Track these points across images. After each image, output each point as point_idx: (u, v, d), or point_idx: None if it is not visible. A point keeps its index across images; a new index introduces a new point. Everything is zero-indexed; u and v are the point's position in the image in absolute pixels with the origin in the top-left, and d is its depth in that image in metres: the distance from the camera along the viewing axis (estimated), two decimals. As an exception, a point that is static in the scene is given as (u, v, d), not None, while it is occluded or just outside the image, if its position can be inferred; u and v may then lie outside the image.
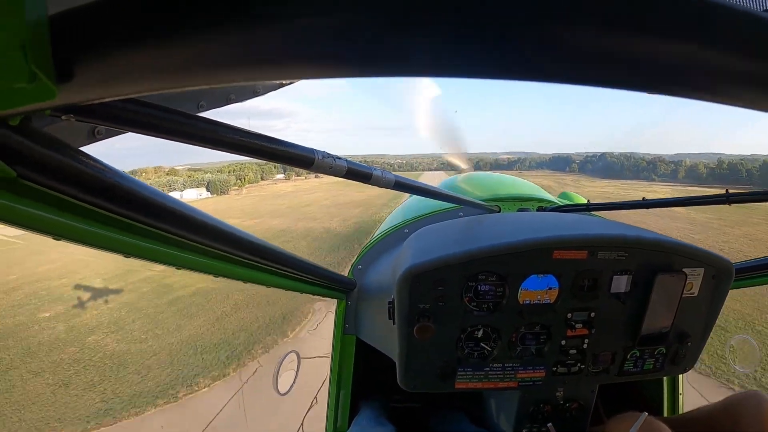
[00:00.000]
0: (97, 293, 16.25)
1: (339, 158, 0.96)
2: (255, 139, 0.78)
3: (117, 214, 0.73)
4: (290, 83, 1.29)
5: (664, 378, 2.16)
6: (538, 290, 1.44)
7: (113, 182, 0.68)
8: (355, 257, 2.22)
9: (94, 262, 19.33)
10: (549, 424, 1.62)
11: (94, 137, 0.76)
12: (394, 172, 1.26)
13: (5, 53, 0.33)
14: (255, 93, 1.16)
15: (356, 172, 1.03)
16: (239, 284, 1.37)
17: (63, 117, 0.59)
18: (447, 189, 2.01)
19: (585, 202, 2.55)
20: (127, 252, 0.84)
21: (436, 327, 1.41)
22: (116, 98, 0.41)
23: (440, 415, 2.25)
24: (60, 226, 0.69)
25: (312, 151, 0.89)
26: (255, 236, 1.10)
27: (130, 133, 0.76)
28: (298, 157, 0.87)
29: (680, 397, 2.17)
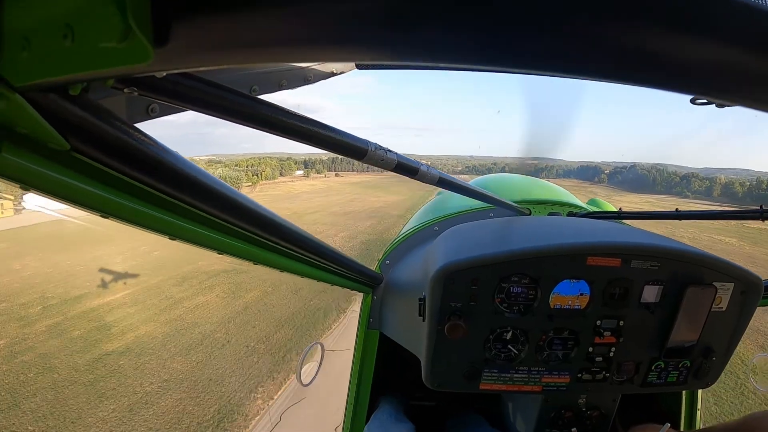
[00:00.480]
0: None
1: (390, 151, 0.98)
2: (310, 125, 0.79)
3: (165, 194, 0.72)
4: (341, 73, 1.30)
5: (683, 391, 2.14)
6: (569, 295, 1.45)
7: (165, 161, 0.67)
8: (383, 253, 2.24)
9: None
10: (573, 429, 1.62)
11: (148, 114, 0.75)
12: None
13: (99, 9, 0.30)
14: (306, 80, 1.16)
15: (405, 166, 1.06)
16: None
17: (125, 90, 0.58)
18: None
19: (614, 209, 2.53)
20: (173, 234, 0.84)
21: (466, 326, 1.43)
22: (207, 68, 0.41)
23: (458, 415, 2.26)
24: (109, 204, 0.68)
25: (366, 142, 0.91)
26: (291, 223, 1.11)
27: (151, 120, 0.77)
28: (352, 147, 0.88)
29: (698, 412, 2.14)
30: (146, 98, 0.71)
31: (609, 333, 1.50)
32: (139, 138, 0.62)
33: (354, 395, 2.22)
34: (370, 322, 2.15)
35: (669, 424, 1.40)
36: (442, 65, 0.31)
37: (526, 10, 0.26)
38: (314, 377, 2.17)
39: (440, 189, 1.94)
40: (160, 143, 0.66)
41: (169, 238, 0.85)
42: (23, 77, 0.43)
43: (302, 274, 1.43)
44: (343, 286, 1.83)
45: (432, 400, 2.50)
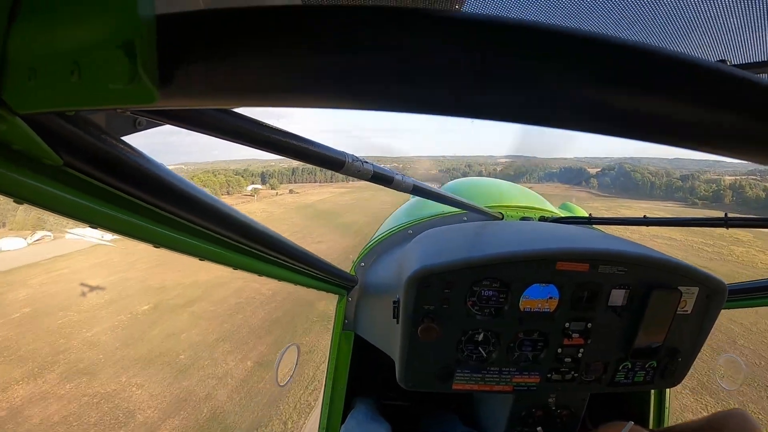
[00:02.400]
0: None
1: (366, 162, 1.00)
2: (287, 138, 0.80)
3: (150, 204, 0.75)
4: None
5: (652, 391, 2.20)
6: (539, 299, 1.49)
7: (151, 173, 0.70)
8: (357, 255, 2.26)
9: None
10: (539, 428, 1.66)
11: (135, 128, 0.77)
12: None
13: (107, 51, 0.32)
14: None
15: (381, 176, 1.09)
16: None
17: (118, 110, 0.60)
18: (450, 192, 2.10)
19: (586, 214, 2.58)
20: (157, 242, 0.86)
21: (439, 328, 1.46)
22: (207, 107, 0.45)
23: (433, 415, 2.30)
24: (98, 215, 0.71)
25: (343, 154, 0.93)
26: (266, 226, 1.13)
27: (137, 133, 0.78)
28: (329, 159, 0.90)
29: (666, 410, 2.20)
30: (133, 114, 0.74)
31: (577, 335, 1.54)
32: (127, 152, 0.65)
33: (329, 395, 2.24)
34: (345, 323, 2.18)
35: (632, 422, 1.45)
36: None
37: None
38: (290, 378, 2.18)
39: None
40: (146, 155, 0.69)
41: (154, 246, 0.87)
42: (26, 104, 0.44)
43: (279, 278, 1.44)
44: (318, 289, 1.85)
45: (406, 400, 2.53)
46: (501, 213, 2.28)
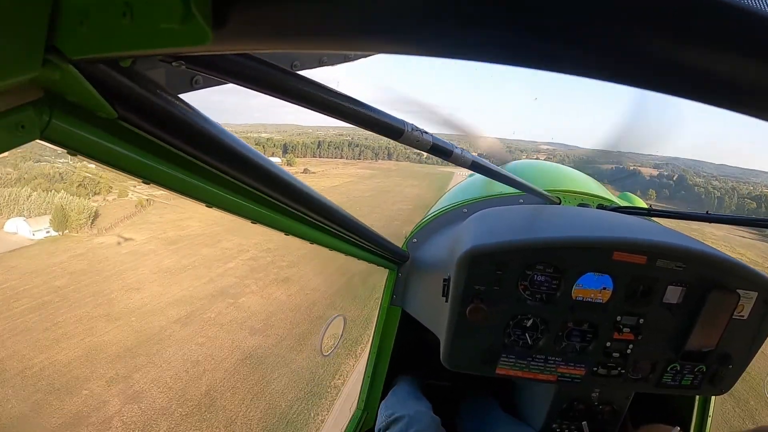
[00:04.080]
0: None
1: (426, 132, 0.99)
2: (348, 102, 0.80)
3: (205, 163, 0.76)
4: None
5: (696, 398, 2.13)
6: (592, 288, 1.47)
7: (207, 132, 0.70)
8: (410, 231, 2.27)
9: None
10: (584, 423, 1.64)
11: (191, 86, 0.77)
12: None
13: None
14: (346, 59, 1.14)
15: (440, 148, 1.08)
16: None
17: (173, 63, 0.61)
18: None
19: (645, 206, 2.49)
20: (210, 201, 0.87)
21: (488, 310, 1.46)
22: (259, 51, 0.45)
23: (472, 398, 2.32)
24: (152, 171, 0.72)
25: (402, 122, 0.92)
26: (322, 195, 1.12)
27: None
28: (388, 126, 0.90)
29: (709, 419, 2.14)
30: (191, 71, 0.72)
31: (628, 330, 1.52)
32: (183, 109, 0.65)
33: (372, 370, 2.29)
34: (393, 298, 2.20)
35: (679, 428, 1.42)
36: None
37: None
38: (335, 348, 2.25)
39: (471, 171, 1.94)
40: (202, 114, 0.69)
41: (206, 206, 0.89)
42: (79, 50, 0.45)
43: (331, 247, 1.45)
44: (370, 262, 1.86)
45: (448, 381, 2.55)
46: (558, 197, 2.25)
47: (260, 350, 26.77)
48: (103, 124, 0.61)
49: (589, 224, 1.69)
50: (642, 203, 2.69)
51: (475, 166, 1.34)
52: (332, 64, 1.07)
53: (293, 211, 1.09)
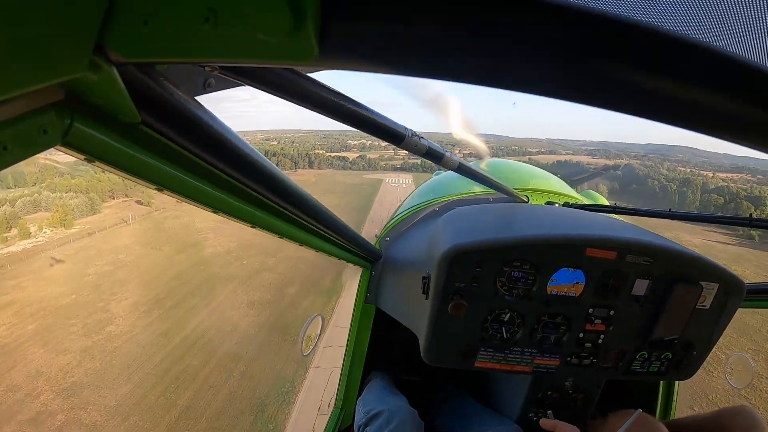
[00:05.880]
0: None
1: (423, 138, 1.03)
2: (354, 105, 0.80)
3: (212, 166, 0.74)
4: None
5: (661, 382, 2.26)
6: (566, 283, 1.53)
7: (216, 133, 0.68)
8: (382, 229, 2.28)
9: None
10: (549, 411, 1.71)
11: (204, 89, 0.75)
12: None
13: (271, 3, 0.30)
14: None
15: (433, 152, 1.12)
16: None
17: (206, 66, 0.59)
18: None
19: (608, 203, 2.61)
20: (216, 207, 0.85)
21: (468, 306, 1.50)
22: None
23: (447, 391, 2.35)
24: (166, 177, 0.69)
25: (404, 128, 0.95)
26: (299, 186, 1.08)
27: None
28: (391, 132, 0.92)
29: (673, 403, 2.27)
30: (205, 72, 0.71)
31: (599, 321, 1.59)
32: (201, 114, 0.63)
33: (348, 367, 2.29)
34: (367, 296, 2.20)
35: (641, 410, 1.50)
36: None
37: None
38: (314, 347, 2.23)
39: (438, 169, 1.92)
40: (218, 119, 0.67)
41: (212, 212, 0.86)
42: (136, 52, 0.41)
43: (302, 242, 1.38)
44: (344, 259, 1.85)
45: (421, 375, 2.59)
46: (527, 196, 2.30)
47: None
48: (124, 128, 0.56)
49: (560, 222, 1.75)
50: (605, 201, 2.81)
51: (462, 169, 1.37)
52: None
53: (262, 199, 1.00)
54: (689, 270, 1.53)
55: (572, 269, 1.52)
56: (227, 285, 37.42)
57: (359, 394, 2.18)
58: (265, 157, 0.87)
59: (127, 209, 64.61)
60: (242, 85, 0.71)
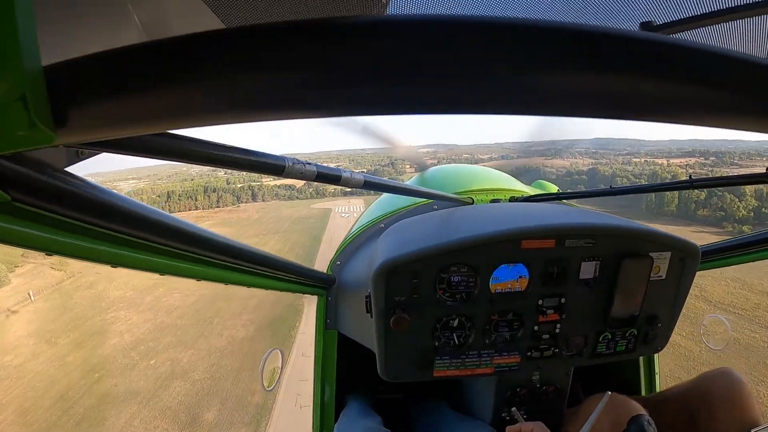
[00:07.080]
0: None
1: (309, 163, 1.00)
2: (225, 151, 0.81)
3: (103, 228, 0.77)
4: None
5: (640, 359, 2.23)
6: (508, 280, 1.50)
7: (97, 198, 0.73)
8: (334, 254, 2.23)
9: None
10: (513, 409, 1.66)
11: (77, 158, 0.80)
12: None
13: (7, 105, 0.35)
14: None
15: (326, 175, 1.07)
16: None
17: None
18: (421, 183, 2.01)
19: (555, 190, 2.60)
20: (114, 262, 0.87)
21: (411, 318, 1.46)
22: (107, 138, 0.47)
23: (421, 404, 2.30)
24: (51, 243, 0.73)
25: (282, 158, 0.93)
26: (230, 238, 1.14)
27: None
28: (270, 166, 0.90)
29: (656, 376, 2.24)
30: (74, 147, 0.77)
31: (552, 311, 1.56)
32: (73, 182, 0.68)
33: (320, 396, 2.21)
34: (327, 323, 2.16)
35: (610, 393, 1.46)
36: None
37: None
38: (277, 381, 2.15)
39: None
40: (91, 182, 0.72)
41: (111, 267, 0.88)
42: None
43: (249, 285, 1.42)
44: (296, 292, 1.83)
45: (398, 392, 2.53)
46: (471, 198, 2.28)
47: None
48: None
49: (496, 219, 1.72)
50: (554, 188, 2.83)
51: (369, 185, 1.33)
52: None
53: (202, 258, 1.08)
54: (636, 244, 1.51)
55: (512, 264, 1.48)
56: (127, 406, 26.81)
57: (336, 419, 2.11)
58: (160, 210, 0.92)
59: (39, 277, 52.93)
60: (109, 153, 0.75)
